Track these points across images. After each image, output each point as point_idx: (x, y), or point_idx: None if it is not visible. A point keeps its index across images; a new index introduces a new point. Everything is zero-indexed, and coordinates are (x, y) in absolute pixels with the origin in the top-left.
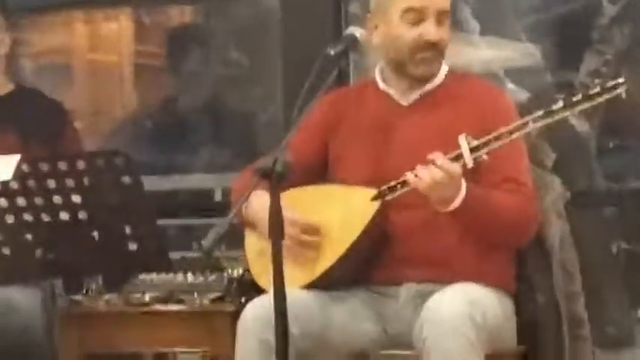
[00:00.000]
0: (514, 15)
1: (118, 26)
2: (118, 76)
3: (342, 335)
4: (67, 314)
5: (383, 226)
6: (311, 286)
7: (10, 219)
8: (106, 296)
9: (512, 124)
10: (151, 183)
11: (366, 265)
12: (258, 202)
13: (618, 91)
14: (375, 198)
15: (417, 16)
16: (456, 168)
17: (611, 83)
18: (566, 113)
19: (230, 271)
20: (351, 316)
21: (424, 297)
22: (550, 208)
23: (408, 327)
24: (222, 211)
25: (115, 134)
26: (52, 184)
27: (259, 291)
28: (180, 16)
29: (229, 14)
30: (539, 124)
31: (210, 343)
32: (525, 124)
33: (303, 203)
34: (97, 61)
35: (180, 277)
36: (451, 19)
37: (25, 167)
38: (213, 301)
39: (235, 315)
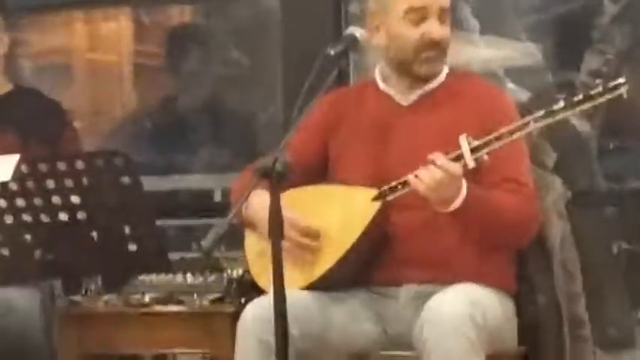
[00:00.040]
0: (514, 14)
1: (118, 26)
2: (118, 76)
3: (341, 336)
4: (66, 315)
5: (383, 226)
6: (311, 286)
7: (9, 219)
8: (105, 297)
9: (513, 124)
10: (151, 183)
11: (366, 266)
12: (258, 203)
13: (620, 91)
14: (375, 198)
15: (418, 16)
16: (456, 168)
17: (612, 83)
18: (568, 113)
19: (230, 271)
20: (351, 317)
21: (424, 298)
22: (551, 209)
23: (408, 328)
24: (221, 212)
25: (114, 134)
26: (51, 184)
27: (259, 292)
28: (179, 15)
29: (229, 14)
30: (540, 124)
31: (210, 344)
32: (526, 124)
33: (303, 203)
34: (97, 61)
35: (179, 277)
36: (451, 18)
37: (24, 167)
38: (212, 301)
39: (235, 316)
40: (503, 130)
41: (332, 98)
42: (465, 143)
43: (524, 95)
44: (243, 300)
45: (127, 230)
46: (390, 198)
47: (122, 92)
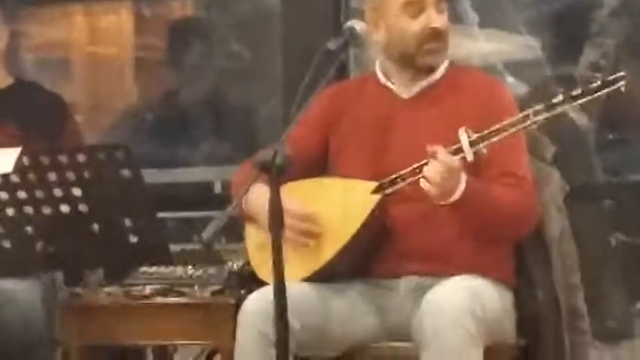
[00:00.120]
0: (513, 7)
1: (118, 19)
2: (118, 69)
3: (341, 328)
4: (68, 307)
5: (383, 219)
6: (311, 278)
7: (10, 212)
8: (107, 289)
9: (513, 117)
10: (152, 176)
11: (366, 258)
12: (258, 196)
13: (619, 85)
14: (375, 191)
15: (416, 8)
16: (455, 161)
17: (611, 77)
18: (567, 107)
19: (230, 263)
20: (351, 309)
21: (424, 290)
22: (549, 202)
23: (408, 319)
24: (222, 204)
25: (115, 127)
26: (52, 177)
27: (259, 284)
28: (181, 8)
29: (230, 7)
30: (540, 117)
31: (211, 336)
32: (526, 117)
33: (303, 196)
34: (97, 54)
35: (180, 269)
36: (450, 11)
37: (25, 160)
38: (213, 293)
39: (235, 308)
40: (503, 123)
41: (332, 92)
42: (464, 136)
43: (523, 89)
44: (243, 292)
45: (127, 222)
46: (389, 191)
47: (123, 85)
